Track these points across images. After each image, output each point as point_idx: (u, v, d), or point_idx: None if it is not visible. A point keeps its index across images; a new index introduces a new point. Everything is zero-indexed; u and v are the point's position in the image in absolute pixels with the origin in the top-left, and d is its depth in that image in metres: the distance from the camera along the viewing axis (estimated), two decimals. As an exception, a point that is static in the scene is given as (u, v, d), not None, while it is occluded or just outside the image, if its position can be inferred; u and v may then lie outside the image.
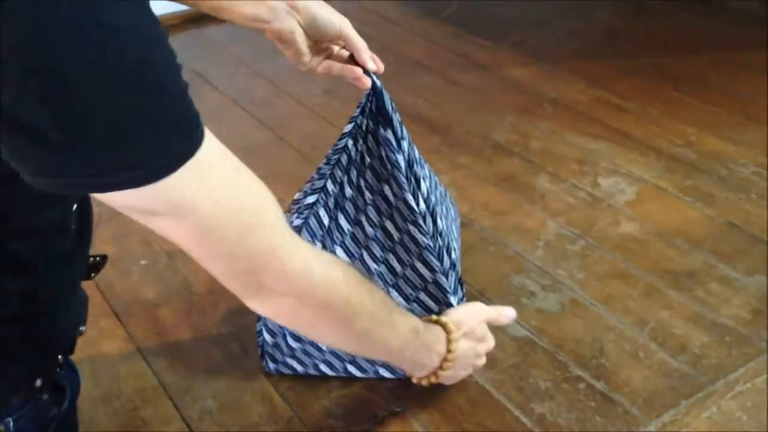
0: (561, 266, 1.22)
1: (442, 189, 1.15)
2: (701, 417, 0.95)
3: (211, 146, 0.53)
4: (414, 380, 0.89)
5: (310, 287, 0.64)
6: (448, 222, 1.08)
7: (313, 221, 0.96)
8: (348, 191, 0.96)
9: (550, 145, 1.57)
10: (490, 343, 0.94)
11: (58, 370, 0.72)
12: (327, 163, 0.96)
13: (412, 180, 0.94)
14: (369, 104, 0.93)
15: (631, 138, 1.59)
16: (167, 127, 0.49)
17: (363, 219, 0.97)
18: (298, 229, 0.96)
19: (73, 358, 0.86)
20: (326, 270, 0.66)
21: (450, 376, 0.89)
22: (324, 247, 0.97)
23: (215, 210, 0.54)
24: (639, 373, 1.02)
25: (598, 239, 1.28)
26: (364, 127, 0.94)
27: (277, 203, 0.60)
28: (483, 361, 0.94)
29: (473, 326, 0.90)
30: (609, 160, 1.51)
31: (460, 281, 1.02)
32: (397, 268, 0.98)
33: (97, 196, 0.51)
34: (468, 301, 1.01)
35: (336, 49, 0.91)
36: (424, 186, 0.96)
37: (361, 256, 0.98)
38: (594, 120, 1.67)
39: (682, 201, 1.38)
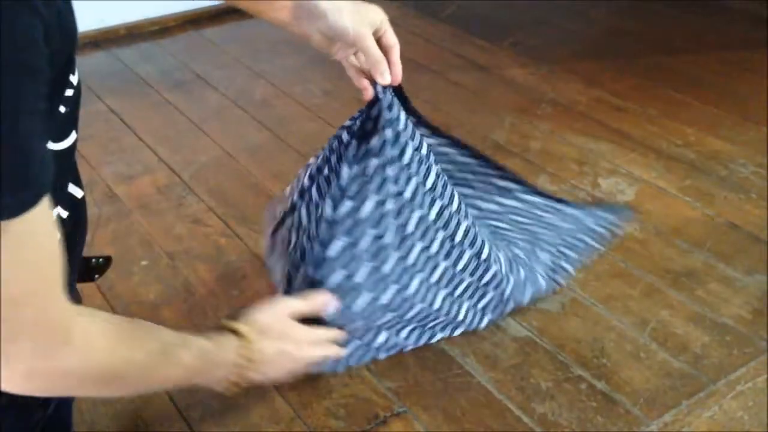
0: (561, 266, 1.22)
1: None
2: (702, 417, 0.95)
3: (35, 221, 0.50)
4: (219, 389, 0.83)
5: (72, 361, 0.61)
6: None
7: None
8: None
9: (550, 146, 1.58)
10: (299, 335, 0.90)
11: None
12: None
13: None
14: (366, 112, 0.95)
15: (630, 138, 1.59)
16: None
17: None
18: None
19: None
20: (91, 341, 0.62)
21: (258, 378, 0.84)
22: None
23: None
24: (640, 373, 1.02)
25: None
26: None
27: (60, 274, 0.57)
28: (304, 355, 0.90)
29: (269, 323, 0.86)
30: (609, 160, 1.51)
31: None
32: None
33: None
34: None
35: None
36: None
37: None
38: (593, 120, 1.67)
39: (682, 201, 1.38)
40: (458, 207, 1.00)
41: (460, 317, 1.06)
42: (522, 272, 1.10)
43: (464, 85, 1.88)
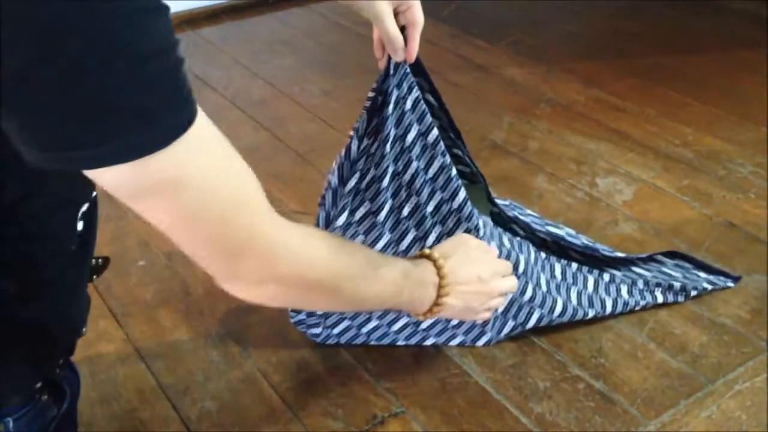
0: (559, 266, 1.22)
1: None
2: (701, 416, 0.95)
3: (202, 125, 0.51)
4: (420, 318, 0.86)
5: (294, 270, 0.64)
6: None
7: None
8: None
9: (548, 146, 1.58)
10: (498, 267, 0.91)
11: (58, 371, 0.72)
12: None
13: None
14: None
15: (629, 138, 1.59)
16: (155, 101, 0.47)
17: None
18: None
19: (72, 359, 0.86)
20: (309, 250, 0.65)
21: (456, 305, 0.85)
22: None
23: (201, 191, 0.53)
24: (638, 373, 1.02)
25: (597, 239, 1.27)
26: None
27: (261, 189, 0.59)
28: (500, 288, 0.90)
29: (463, 252, 0.87)
30: (607, 160, 1.51)
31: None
32: None
33: (89, 174, 0.49)
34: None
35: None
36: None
37: None
38: (592, 120, 1.67)
39: (680, 201, 1.38)
40: (461, 206, 0.98)
41: (453, 323, 1.05)
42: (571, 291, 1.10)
43: (463, 85, 1.87)
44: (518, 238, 1.13)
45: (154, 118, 0.47)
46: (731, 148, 1.53)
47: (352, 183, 0.95)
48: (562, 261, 1.14)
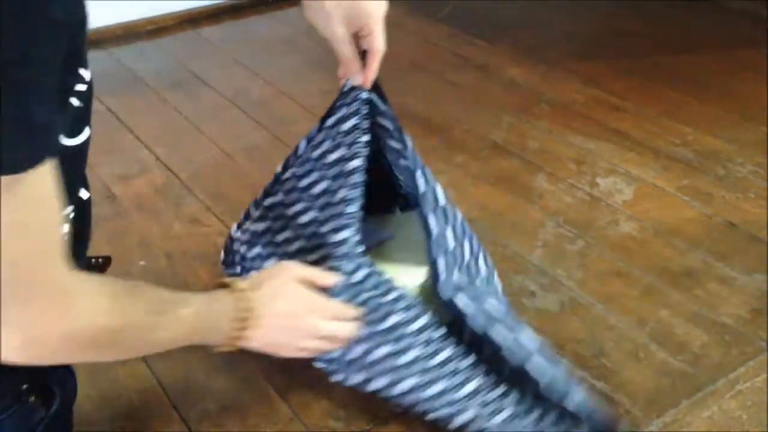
0: (560, 266, 1.22)
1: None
2: (702, 416, 0.95)
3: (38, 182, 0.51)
4: (224, 349, 0.80)
5: (74, 326, 0.60)
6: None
7: None
8: None
9: (548, 145, 1.58)
10: (311, 301, 0.85)
11: (48, 372, 0.71)
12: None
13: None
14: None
15: (628, 138, 1.59)
16: None
17: None
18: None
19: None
20: (89, 307, 0.61)
21: (262, 338, 0.80)
22: None
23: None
24: (639, 373, 1.02)
25: (597, 239, 1.28)
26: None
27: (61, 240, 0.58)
28: (321, 328, 0.84)
29: (276, 284, 0.83)
30: (607, 159, 1.51)
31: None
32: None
33: None
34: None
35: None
36: None
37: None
38: (591, 120, 1.67)
39: (680, 200, 1.38)
40: (339, 242, 0.93)
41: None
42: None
43: (462, 85, 1.87)
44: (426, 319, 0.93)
45: None
46: (731, 147, 1.53)
47: (285, 175, 1.03)
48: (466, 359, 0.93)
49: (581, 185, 1.43)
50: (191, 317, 0.73)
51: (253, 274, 0.89)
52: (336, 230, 0.94)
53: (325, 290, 0.89)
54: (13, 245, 0.53)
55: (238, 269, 1.07)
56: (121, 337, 0.65)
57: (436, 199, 0.96)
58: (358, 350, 0.91)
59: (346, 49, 0.89)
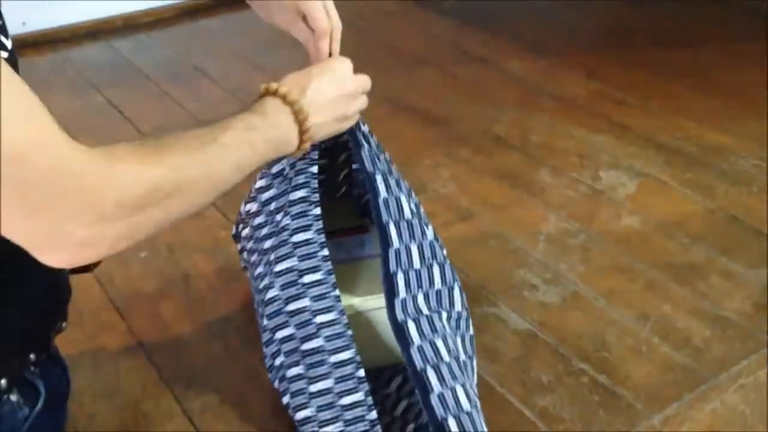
0: (562, 260, 1.22)
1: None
2: (704, 410, 0.95)
3: None
4: (298, 153, 0.79)
5: (127, 193, 0.56)
6: None
7: None
8: None
9: (551, 139, 1.57)
10: (339, 66, 0.83)
11: (32, 368, 0.70)
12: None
13: None
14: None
15: (631, 131, 1.58)
16: None
17: None
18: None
19: (73, 352, 0.85)
20: (132, 175, 0.57)
21: (324, 121, 0.78)
22: None
23: None
24: (642, 367, 1.02)
25: (600, 232, 1.28)
26: None
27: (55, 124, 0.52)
28: (354, 86, 0.83)
29: (308, 72, 0.80)
30: (609, 153, 1.51)
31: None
32: None
33: None
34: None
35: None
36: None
37: None
38: (594, 113, 1.66)
39: (683, 194, 1.38)
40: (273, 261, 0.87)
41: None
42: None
43: (465, 78, 1.87)
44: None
45: None
46: (734, 141, 1.53)
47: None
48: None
49: (584, 179, 1.43)
50: (245, 134, 0.70)
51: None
52: (299, 230, 0.88)
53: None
54: (14, 133, 0.47)
55: (240, 246, 1.05)
56: (178, 184, 0.62)
57: (400, 210, 0.85)
58: (280, 359, 0.88)
59: (303, 35, 0.86)
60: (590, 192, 1.39)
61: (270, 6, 0.86)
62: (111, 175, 0.55)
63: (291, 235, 0.87)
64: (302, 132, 0.76)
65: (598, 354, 1.04)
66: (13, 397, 0.67)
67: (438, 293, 0.87)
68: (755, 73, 1.79)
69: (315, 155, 0.87)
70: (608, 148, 1.53)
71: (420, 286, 0.85)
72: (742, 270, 1.18)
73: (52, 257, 0.54)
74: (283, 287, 0.86)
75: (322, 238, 0.86)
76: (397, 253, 0.84)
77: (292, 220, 0.87)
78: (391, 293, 0.83)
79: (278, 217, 0.89)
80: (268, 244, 0.90)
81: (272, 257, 0.88)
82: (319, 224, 0.86)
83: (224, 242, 1.28)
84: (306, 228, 0.86)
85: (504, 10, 2.28)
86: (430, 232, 0.88)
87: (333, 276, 0.86)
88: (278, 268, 0.87)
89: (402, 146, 1.55)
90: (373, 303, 0.93)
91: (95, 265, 0.81)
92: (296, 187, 0.87)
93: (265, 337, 0.91)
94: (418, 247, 0.86)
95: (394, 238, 0.83)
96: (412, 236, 0.85)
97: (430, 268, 0.87)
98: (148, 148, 0.61)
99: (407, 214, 0.86)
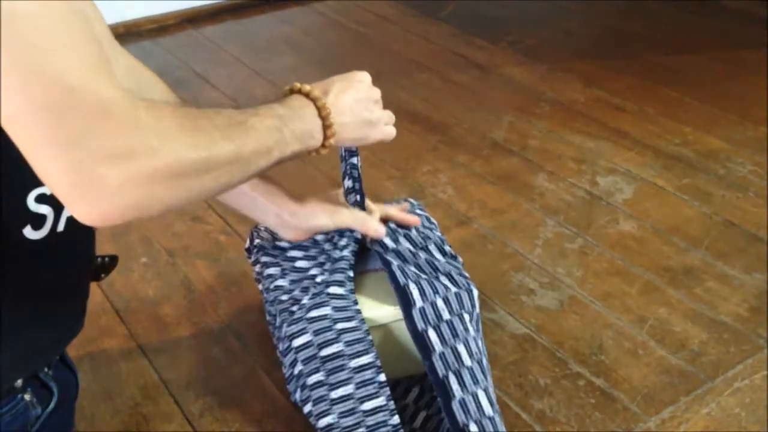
0: (560, 264, 1.23)
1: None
2: (700, 413, 0.96)
3: None
4: (322, 151, 0.78)
5: (155, 153, 0.54)
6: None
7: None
8: None
9: (548, 144, 1.58)
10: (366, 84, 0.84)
11: (46, 370, 0.71)
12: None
13: None
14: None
15: (628, 137, 1.59)
16: None
17: None
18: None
19: (74, 355, 0.86)
20: (169, 144, 0.56)
21: (348, 120, 0.80)
22: None
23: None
24: (638, 370, 1.02)
25: (597, 237, 1.28)
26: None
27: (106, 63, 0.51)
28: (375, 93, 0.84)
29: (331, 80, 0.81)
30: (607, 158, 1.52)
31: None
32: None
33: None
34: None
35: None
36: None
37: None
38: (592, 119, 1.67)
39: (680, 199, 1.39)
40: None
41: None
42: None
43: (463, 84, 1.88)
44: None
45: None
46: (731, 147, 1.54)
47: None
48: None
49: (581, 184, 1.44)
50: (270, 120, 0.69)
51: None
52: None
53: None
54: (54, 66, 0.48)
55: (253, 258, 1.05)
56: (207, 159, 0.59)
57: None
58: (298, 367, 0.88)
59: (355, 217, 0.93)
60: (588, 197, 1.40)
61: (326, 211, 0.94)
62: (150, 137, 0.54)
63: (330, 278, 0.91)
64: (326, 128, 0.76)
65: (595, 357, 1.05)
66: (27, 397, 0.68)
67: (457, 295, 0.88)
68: (753, 79, 1.80)
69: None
70: (606, 153, 1.54)
71: (436, 292, 0.86)
72: (739, 274, 1.19)
73: (80, 207, 0.52)
74: (312, 299, 0.89)
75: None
76: (401, 267, 0.88)
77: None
78: (407, 304, 0.84)
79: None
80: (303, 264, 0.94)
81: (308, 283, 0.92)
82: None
83: (224, 247, 1.29)
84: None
85: (502, 16, 2.29)
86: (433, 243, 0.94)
87: (354, 294, 0.90)
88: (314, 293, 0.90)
89: (401, 151, 1.56)
90: (386, 315, 0.92)
91: (105, 273, 0.82)
92: None
93: (282, 345, 0.92)
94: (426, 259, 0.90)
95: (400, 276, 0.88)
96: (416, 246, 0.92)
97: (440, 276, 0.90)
98: (188, 120, 0.59)
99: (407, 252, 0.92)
